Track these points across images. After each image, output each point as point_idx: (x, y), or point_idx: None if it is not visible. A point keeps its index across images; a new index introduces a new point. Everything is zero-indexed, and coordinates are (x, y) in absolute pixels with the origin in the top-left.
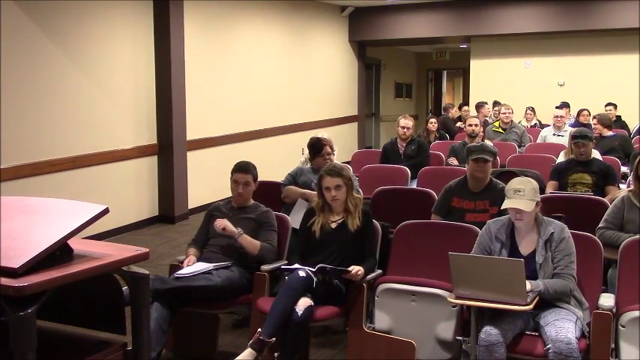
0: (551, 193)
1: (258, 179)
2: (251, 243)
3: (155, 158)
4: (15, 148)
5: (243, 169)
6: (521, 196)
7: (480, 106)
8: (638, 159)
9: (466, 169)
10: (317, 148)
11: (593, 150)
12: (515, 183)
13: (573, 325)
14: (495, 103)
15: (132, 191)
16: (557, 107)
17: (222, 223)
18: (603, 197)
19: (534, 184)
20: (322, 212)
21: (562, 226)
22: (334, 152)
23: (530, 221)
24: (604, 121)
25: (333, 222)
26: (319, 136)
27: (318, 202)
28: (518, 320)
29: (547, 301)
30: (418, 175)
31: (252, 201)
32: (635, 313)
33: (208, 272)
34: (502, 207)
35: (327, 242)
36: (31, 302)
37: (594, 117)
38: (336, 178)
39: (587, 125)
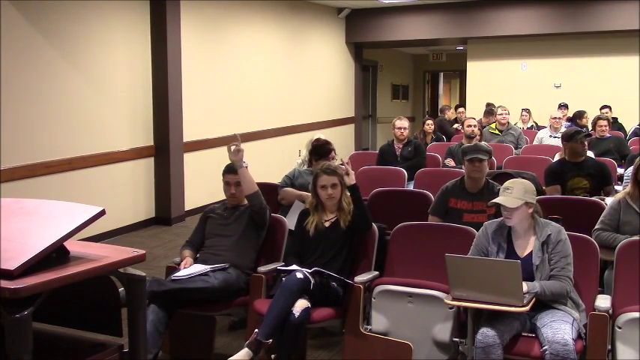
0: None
1: (256, 181)
2: (250, 180)
3: (152, 160)
4: (10, 150)
5: (234, 169)
6: (509, 193)
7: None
8: (639, 162)
9: (463, 170)
10: (324, 151)
11: (587, 151)
12: (507, 183)
13: (570, 326)
14: (488, 105)
15: (128, 193)
16: (559, 107)
17: (238, 147)
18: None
19: (526, 185)
20: (316, 211)
21: (559, 228)
22: (336, 157)
23: (522, 221)
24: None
25: (327, 221)
26: (322, 138)
27: (312, 201)
28: (514, 322)
29: (543, 303)
30: (415, 177)
31: (245, 201)
32: (632, 315)
33: (205, 274)
34: (488, 203)
35: (321, 241)
36: (27, 304)
37: (604, 118)
38: (332, 176)
39: (584, 128)
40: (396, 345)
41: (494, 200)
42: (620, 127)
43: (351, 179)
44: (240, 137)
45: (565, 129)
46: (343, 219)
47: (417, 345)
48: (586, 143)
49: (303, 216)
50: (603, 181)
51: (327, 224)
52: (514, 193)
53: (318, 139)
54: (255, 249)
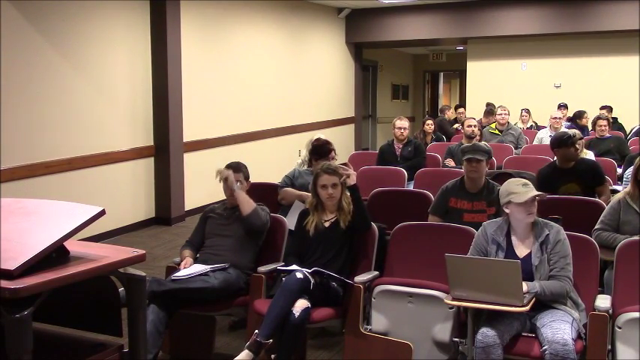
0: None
1: (256, 181)
2: (247, 201)
3: (152, 160)
4: (10, 150)
5: (234, 168)
6: (531, 189)
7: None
8: (639, 162)
9: (463, 170)
10: (324, 151)
11: (587, 152)
12: (517, 181)
13: (569, 326)
14: (488, 105)
15: (128, 193)
16: (558, 108)
17: (224, 175)
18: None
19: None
20: (316, 211)
21: (558, 228)
22: (336, 157)
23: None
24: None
25: (327, 221)
26: (322, 137)
27: (312, 201)
28: (514, 321)
29: (543, 303)
30: (415, 177)
31: None
32: (632, 315)
33: (205, 274)
34: (521, 200)
35: (321, 241)
36: (27, 304)
37: (604, 118)
38: (333, 176)
39: (584, 127)
40: (396, 345)
41: (533, 194)
42: (620, 127)
43: (351, 180)
44: (221, 171)
45: (565, 129)
46: (343, 219)
47: (417, 345)
48: (579, 145)
49: (303, 216)
50: (595, 181)
51: (326, 224)
52: (534, 189)
53: (318, 139)
54: (255, 249)
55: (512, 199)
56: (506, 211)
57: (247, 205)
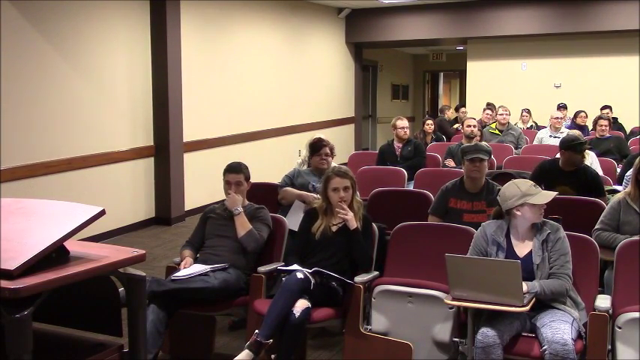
0: None
1: (256, 181)
2: (242, 224)
3: (152, 160)
4: (10, 150)
5: (235, 169)
6: (540, 189)
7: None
8: (639, 162)
9: (462, 170)
10: (316, 147)
11: (589, 152)
12: (524, 182)
13: (569, 326)
14: (488, 105)
15: (128, 193)
16: (558, 108)
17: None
18: None
19: None
20: (325, 215)
21: (557, 226)
22: (334, 155)
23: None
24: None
25: (334, 225)
26: (321, 137)
27: (321, 204)
28: (514, 322)
29: (543, 303)
30: (415, 177)
31: (246, 202)
32: (632, 315)
33: (205, 274)
34: (540, 202)
35: (327, 245)
36: (27, 304)
37: (605, 118)
38: (345, 179)
39: (584, 127)
40: (396, 345)
41: (550, 196)
42: (620, 127)
43: (351, 224)
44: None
45: (565, 129)
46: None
47: (417, 345)
48: (585, 154)
49: (309, 216)
50: (593, 193)
51: (334, 229)
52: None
53: (315, 137)
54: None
55: (529, 201)
56: (517, 213)
57: (242, 227)
